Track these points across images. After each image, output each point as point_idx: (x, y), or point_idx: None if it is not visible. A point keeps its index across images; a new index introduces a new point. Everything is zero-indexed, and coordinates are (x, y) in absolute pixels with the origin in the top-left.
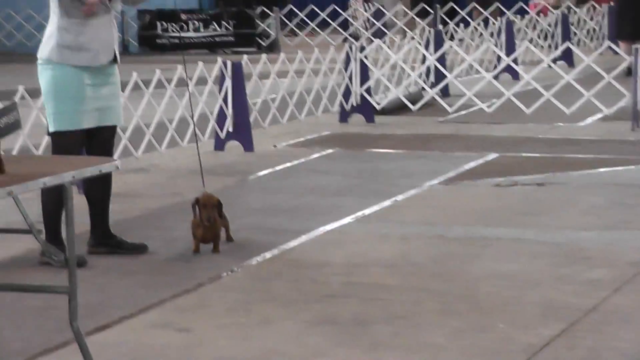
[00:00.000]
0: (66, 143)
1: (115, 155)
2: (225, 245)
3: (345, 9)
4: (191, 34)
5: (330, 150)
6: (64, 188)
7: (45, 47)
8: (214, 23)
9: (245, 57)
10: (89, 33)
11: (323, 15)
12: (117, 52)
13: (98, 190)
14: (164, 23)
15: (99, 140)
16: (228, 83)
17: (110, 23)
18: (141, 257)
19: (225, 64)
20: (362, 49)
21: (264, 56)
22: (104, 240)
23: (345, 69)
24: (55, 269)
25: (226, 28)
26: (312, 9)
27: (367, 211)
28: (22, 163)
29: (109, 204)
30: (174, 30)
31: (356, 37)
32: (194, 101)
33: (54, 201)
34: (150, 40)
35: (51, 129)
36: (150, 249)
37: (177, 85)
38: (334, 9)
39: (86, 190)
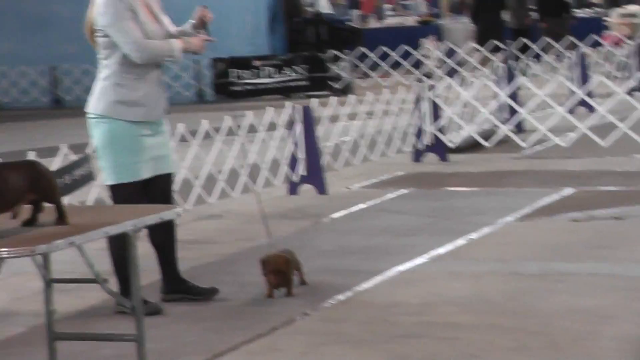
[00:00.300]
0: (127, 194)
1: (189, 203)
2: (299, 289)
3: (416, 48)
4: (265, 79)
5: (403, 190)
6: (127, 237)
7: (100, 103)
8: (287, 68)
9: (315, 100)
10: (143, 89)
11: (395, 56)
12: (166, 106)
13: (163, 238)
14: (238, 70)
15: (157, 190)
16: (299, 127)
17: (161, 78)
18: (214, 303)
19: (296, 108)
20: (433, 87)
21: (335, 99)
22: (175, 286)
23: (417, 109)
24: (130, 318)
25: (299, 73)
26: (384, 50)
27: (440, 250)
28: (84, 213)
29: (175, 250)
30: (248, 76)
31: (429, 77)
32: (266, 146)
33: (120, 251)
34: (225, 87)
35: (111, 182)
36: (223, 294)
37: (249, 132)
38: (406, 49)
39: (151, 238)
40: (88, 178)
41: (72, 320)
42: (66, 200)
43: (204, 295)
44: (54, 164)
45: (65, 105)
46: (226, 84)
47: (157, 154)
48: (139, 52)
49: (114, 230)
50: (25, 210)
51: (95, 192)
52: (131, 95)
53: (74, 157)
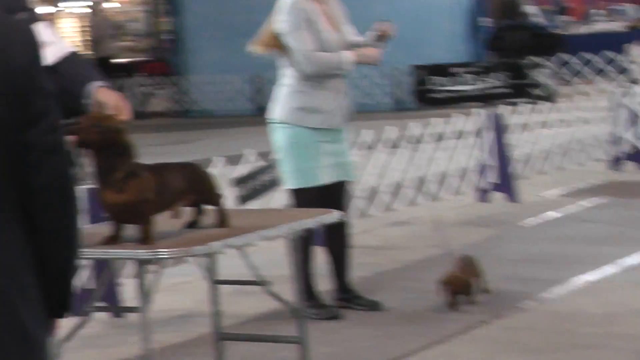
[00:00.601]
0: (307, 199)
1: (377, 210)
2: (481, 297)
3: (622, 54)
4: (465, 86)
5: (598, 199)
6: (300, 239)
7: (281, 109)
8: (488, 75)
9: (507, 107)
10: (322, 96)
11: (598, 62)
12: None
13: (334, 245)
14: (438, 77)
15: (334, 196)
16: (490, 134)
17: (341, 86)
18: (391, 309)
19: (486, 114)
20: (632, 94)
21: (530, 106)
22: (341, 294)
23: (615, 116)
24: (314, 321)
25: (501, 80)
26: (588, 56)
27: (630, 260)
28: (246, 217)
29: (345, 258)
30: (448, 83)
31: (636, 83)
32: (455, 153)
33: (301, 254)
34: (424, 94)
35: (292, 186)
36: (403, 300)
37: (437, 140)
38: (611, 55)
39: (326, 244)
40: (272, 184)
41: (253, 322)
42: (254, 204)
43: (367, 306)
44: (238, 170)
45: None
46: (426, 91)
47: (336, 161)
48: (306, 63)
49: (270, 233)
50: (189, 212)
51: (281, 198)
52: (311, 102)
53: (261, 163)
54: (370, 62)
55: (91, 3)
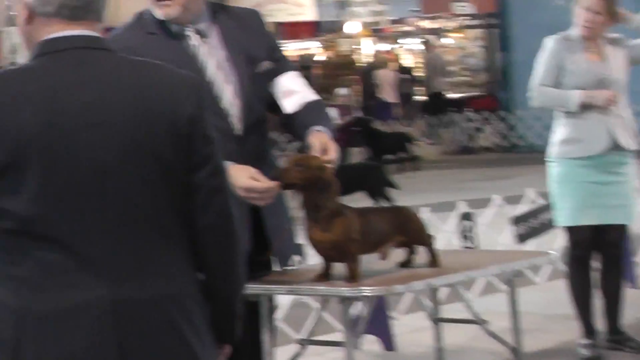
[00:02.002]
0: (573, 239)
1: None
2: None
3: None
4: None
5: None
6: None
7: (551, 145)
8: None
9: None
10: (583, 125)
11: None
12: (621, 139)
13: (609, 281)
14: None
15: (605, 241)
16: None
17: (606, 111)
18: None
19: None
20: None
21: None
22: (612, 335)
23: None
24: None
25: None
26: None
27: None
28: (461, 256)
29: (617, 299)
30: None
31: None
32: None
33: (576, 291)
34: None
35: (556, 224)
36: None
37: None
38: None
39: (602, 283)
40: (545, 227)
41: None
42: (530, 246)
43: (638, 349)
44: (519, 209)
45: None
46: None
47: (607, 202)
48: (532, 95)
49: (475, 274)
50: (402, 253)
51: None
52: (572, 133)
53: (542, 202)
54: (599, 105)
55: (425, 40)
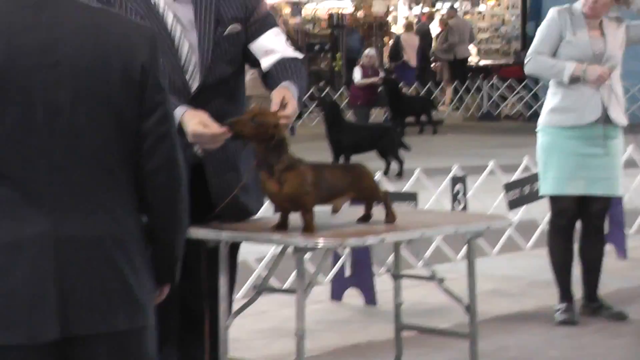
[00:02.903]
0: (557, 208)
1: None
2: None
3: None
4: None
5: None
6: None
7: (541, 115)
8: None
9: None
10: (574, 95)
11: None
12: (612, 113)
13: (590, 251)
14: None
15: (589, 211)
16: None
17: (597, 86)
18: (637, 322)
19: None
20: None
21: None
22: (590, 303)
23: None
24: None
25: None
26: None
27: None
28: (418, 216)
29: (594, 268)
30: None
31: None
32: None
33: (557, 256)
34: None
35: (540, 192)
36: None
37: None
38: None
39: (581, 250)
40: (531, 197)
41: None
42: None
43: (614, 318)
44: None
45: None
46: None
47: (597, 174)
48: (527, 62)
49: (429, 232)
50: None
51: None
52: (562, 102)
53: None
54: (589, 80)
55: (455, 5)
